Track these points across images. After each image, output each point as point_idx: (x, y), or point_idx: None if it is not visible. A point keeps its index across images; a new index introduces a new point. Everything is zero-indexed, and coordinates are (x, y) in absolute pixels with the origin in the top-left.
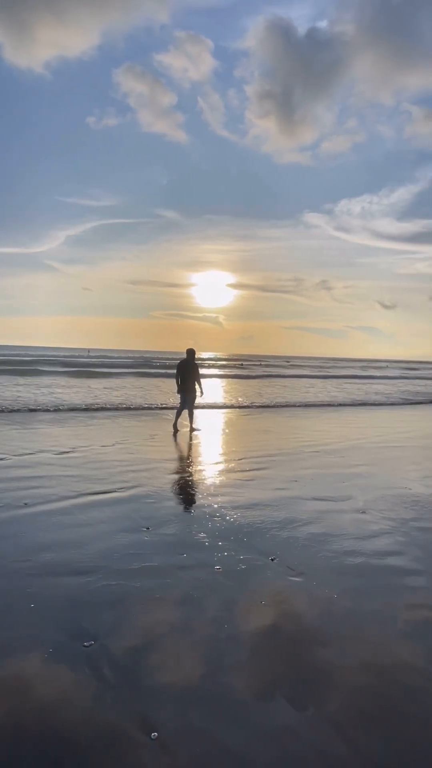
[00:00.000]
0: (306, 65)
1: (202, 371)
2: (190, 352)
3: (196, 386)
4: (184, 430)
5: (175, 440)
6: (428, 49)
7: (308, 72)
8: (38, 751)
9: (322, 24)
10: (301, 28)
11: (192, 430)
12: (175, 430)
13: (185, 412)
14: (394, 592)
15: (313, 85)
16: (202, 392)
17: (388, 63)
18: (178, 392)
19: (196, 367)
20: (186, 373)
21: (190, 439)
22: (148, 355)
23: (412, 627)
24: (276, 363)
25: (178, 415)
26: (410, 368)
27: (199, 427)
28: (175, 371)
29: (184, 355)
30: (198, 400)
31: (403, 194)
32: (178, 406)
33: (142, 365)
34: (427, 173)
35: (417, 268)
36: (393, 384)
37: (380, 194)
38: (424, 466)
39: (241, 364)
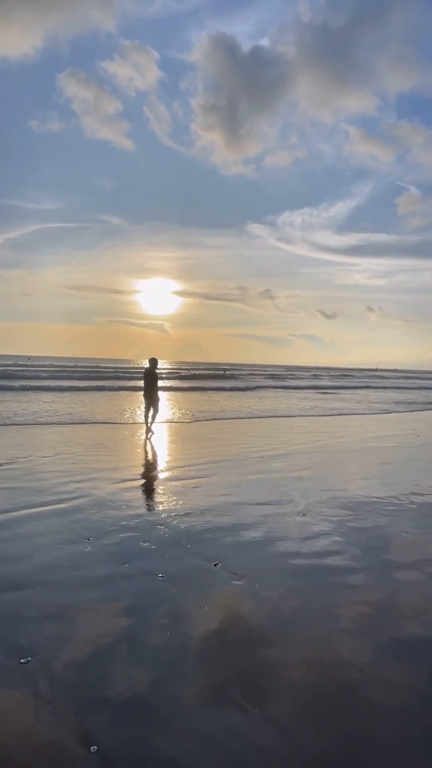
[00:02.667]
0: (250, 82)
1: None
2: (153, 362)
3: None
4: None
5: (149, 441)
6: (365, 74)
7: (252, 88)
8: None
9: (264, 42)
10: (245, 45)
11: (149, 430)
12: (148, 431)
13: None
14: (333, 590)
15: (257, 101)
16: (158, 398)
17: (328, 84)
18: (144, 397)
19: (155, 374)
20: (148, 380)
21: (145, 443)
22: (91, 363)
23: (350, 623)
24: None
25: (146, 419)
26: (380, 376)
27: (154, 431)
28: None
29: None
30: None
31: (341, 208)
32: (144, 410)
33: (86, 376)
34: (363, 189)
35: (355, 279)
36: (333, 394)
37: (320, 208)
38: (359, 468)
39: (224, 371)
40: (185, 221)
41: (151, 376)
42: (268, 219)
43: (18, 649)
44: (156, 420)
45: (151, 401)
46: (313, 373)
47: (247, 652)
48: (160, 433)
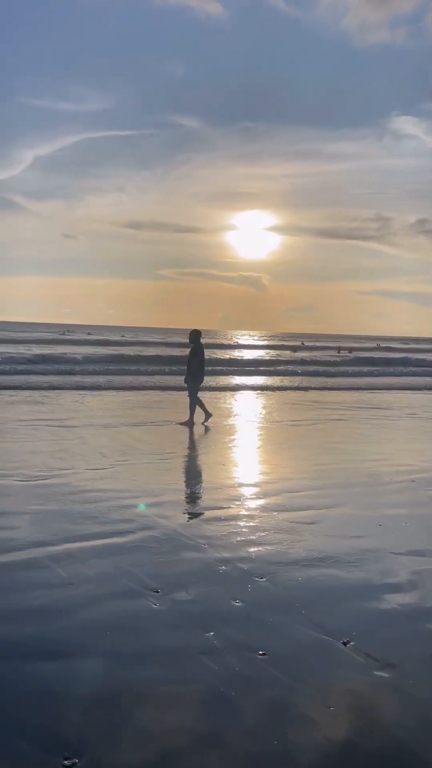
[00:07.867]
0: None
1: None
2: (196, 335)
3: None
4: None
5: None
6: None
7: None
8: None
9: None
10: None
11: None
12: (207, 415)
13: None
14: None
15: None
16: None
17: None
18: (191, 381)
19: (201, 352)
20: (197, 360)
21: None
22: (155, 336)
23: None
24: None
25: (201, 404)
26: None
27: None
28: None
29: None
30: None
31: None
32: (197, 395)
33: (153, 360)
34: None
35: None
36: None
37: None
38: None
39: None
40: (296, 119)
41: (196, 355)
42: (425, 108)
43: (59, 743)
44: (192, 411)
45: (194, 384)
46: None
47: None
48: (253, 439)
